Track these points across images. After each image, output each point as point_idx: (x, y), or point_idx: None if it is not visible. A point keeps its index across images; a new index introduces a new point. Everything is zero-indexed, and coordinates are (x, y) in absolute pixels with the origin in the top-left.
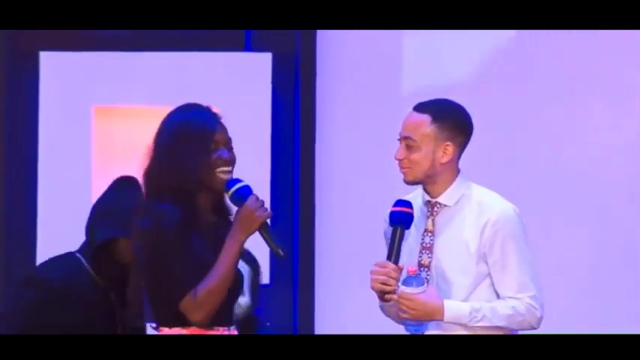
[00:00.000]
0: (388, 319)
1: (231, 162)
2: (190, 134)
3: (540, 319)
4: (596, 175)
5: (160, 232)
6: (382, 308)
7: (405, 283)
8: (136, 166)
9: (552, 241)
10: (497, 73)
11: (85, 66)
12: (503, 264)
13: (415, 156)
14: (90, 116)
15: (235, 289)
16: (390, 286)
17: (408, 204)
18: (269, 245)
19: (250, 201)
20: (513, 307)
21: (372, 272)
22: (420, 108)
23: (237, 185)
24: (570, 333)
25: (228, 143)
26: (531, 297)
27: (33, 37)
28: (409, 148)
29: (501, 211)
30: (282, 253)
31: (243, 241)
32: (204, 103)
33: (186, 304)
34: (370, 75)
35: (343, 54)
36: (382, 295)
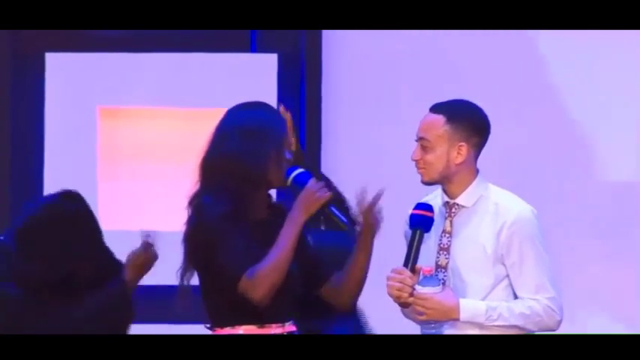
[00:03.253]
0: (390, 319)
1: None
2: (267, 130)
3: (559, 322)
4: (608, 175)
5: (200, 224)
6: (403, 311)
7: (421, 283)
8: (140, 168)
9: (568, 243)
10: (505, 74)
11: (91, 67)
12: (520, 266)
13: (430, 157)
14: (95, 117)
15: (291, 284)
16: (405, 292)
17: (429, 207)
18: (334, 222)
19: (311, 184)
20: (530, 307)
21: (388, 278)
22: (435, 108)
23: (297, 171)
24: (571, 333)
25: (290, 147)
26: (549, 298)
27: (39, 38)
28: (424, 148)
29: (518, 212)
30: (346, 227)
31: (303, 223)
32: (210, 104)
33: (244, 284)
34: (376, 75)
35: (349, 54)
36: (399, 301)
